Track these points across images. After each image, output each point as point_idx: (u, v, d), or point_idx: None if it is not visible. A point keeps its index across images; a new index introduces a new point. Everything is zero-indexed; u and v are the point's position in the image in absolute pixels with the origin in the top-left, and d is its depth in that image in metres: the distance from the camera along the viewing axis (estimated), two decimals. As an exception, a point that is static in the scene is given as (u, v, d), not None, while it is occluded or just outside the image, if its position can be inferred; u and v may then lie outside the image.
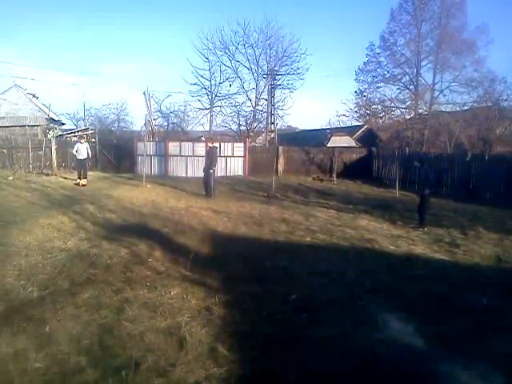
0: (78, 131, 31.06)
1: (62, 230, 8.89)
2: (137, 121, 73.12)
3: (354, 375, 3.68)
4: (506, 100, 27.55)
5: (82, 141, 19.48)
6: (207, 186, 15.88)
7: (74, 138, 21.38)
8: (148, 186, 17.74)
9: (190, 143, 25.19)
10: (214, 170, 16.28)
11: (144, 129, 22.80)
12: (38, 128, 30.06)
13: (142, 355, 3.90)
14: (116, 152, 25.75)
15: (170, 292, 5.53)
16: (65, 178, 19.88)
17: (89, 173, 21.50)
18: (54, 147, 23.31)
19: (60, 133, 30.89)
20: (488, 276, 6.84)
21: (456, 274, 6.90)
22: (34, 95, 37.46)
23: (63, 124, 38.91)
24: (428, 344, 4.38)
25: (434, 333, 4.60)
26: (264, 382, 3.56)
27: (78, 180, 18.27)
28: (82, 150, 18.84)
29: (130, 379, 3.51)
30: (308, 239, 9.14)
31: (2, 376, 3.51)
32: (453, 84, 33.20)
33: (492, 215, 13.19)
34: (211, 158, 16.20)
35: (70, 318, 4.63)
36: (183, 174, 24.07)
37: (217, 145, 17.52)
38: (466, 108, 31.36)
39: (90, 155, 19.56)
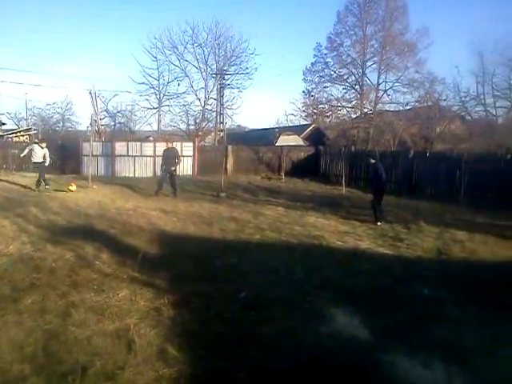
0: (20, 131, 29.93)
1: (3, 233, 8.53)
2: (83, 121, 71.09)
3: (303, 370, 3.75)
4: (445, 100, 28.76)
5: (43, 145, 17.33)
6: (159, 185, 15.94)
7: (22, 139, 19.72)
8: (94, 186, 17.35)
9: (138, 143, 24.84)
10: (175, 170, 16.49)
11: (90, 129, 22.21)
12: (-24, 129, 28.81)
13: (90, 359, 3.82)
14: (61, 153, 24.95)
15: (118, 294, 5.43)
16: (6, 180, 19.09)
17: (32, 174, 20.80)
18: (-7, 148, 22.40)
19: (0, 133, 29.68)
20: (429, 268, 7.14)
21: (399, 268, 7.16)
22: (-28, 95, 35.84)
23: (4, 124, 37.29)
24: (373, 336, 4.53)
25: (379, 325, 4.76)
26: (215, 381, 3.57)
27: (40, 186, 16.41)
28: (39, 153, 16.92)
29: (76, 385, 3.44)
30: (257, 237, 9.21)
31: None
32: (396, 84, 34.43)
33: (433, 210, 13.75)
34: (172, 158, 16.33)
35: (13, 325, 4.47)
36: (131, 175, 23.69)
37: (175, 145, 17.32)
38: (408, 107, 32.53)
39: (47, 161, 17.34)
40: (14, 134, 28.92)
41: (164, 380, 3.57)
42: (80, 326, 4.51)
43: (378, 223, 10.95)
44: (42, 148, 17.08)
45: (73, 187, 16.01)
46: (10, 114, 42.60)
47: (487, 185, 15.80)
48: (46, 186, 16.49)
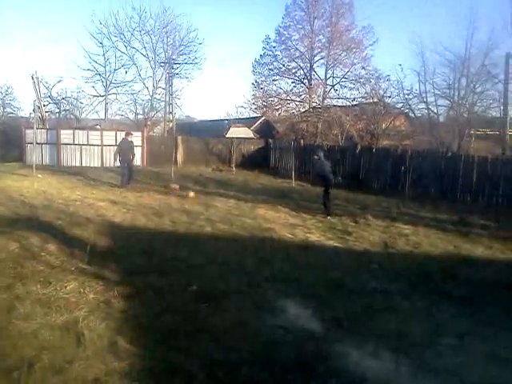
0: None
1: None
2: (25, 106, 68.25)
3: (255, 362, 3.79)
4: (389, 97, 29.49)
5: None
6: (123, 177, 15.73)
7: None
8: (39, 175, 16.77)
9: (85, 131, 24.12)
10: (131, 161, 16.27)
11: (33, 115, 21.36)
12: None
13: (37, 354, 3.72)
14: (2, 139, 23.92)
15: (66, 287, 5.31)
16: None
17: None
18: None
19: None
20: (377, 261, 7.36)
21: (348, 260, 7.36)
22: None
23: None
24: (323, 327, 4.64)
25: (329, 316, 4.89)
26: (167, 374, 3.55)
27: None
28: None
29: (23, 380, 3.33)
30: (208, 229, 9.21)
31: None
32: (343, 80, 35.00)
33: (379, 204, 14.16)
34: (129, 149, 16.13)
35: (-47, 320, 4.30)
36: (77, 164, 23.02)
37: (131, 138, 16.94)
38: (355, 103, 33.16)
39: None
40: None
41: (115, 373, 3.52)
42: (26, 319, 4.39)
43: (328, 217, 11.18)
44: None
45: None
46: None
47: (430, 180, 16.43)
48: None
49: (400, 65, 31.25)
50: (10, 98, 42.04)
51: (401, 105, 28.93)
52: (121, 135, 23.79)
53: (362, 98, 33.08)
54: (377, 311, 5.15)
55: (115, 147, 22.99)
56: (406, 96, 27.68)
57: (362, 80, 33.43)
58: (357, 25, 34.75)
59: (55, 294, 5.11)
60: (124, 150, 15.87)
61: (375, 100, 29.21)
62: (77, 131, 24.01)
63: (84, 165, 22.88)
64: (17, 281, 5.43)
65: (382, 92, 29.96)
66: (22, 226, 8.16)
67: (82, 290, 5.25)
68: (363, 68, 33.68)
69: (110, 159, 23.41)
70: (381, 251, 8.21)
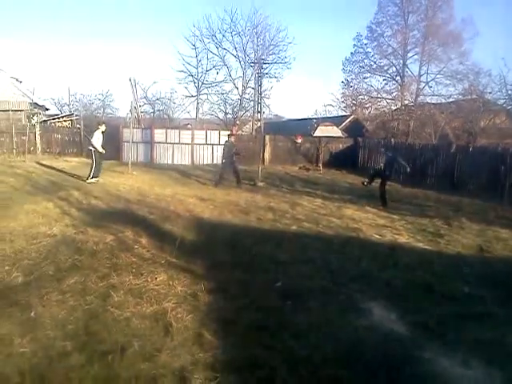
0: (63, 116, 30.68)
1: (47, 215, 8.82)
2: (122, 107, 72.41)
3: (338, 361, 3.74)
4: (490, 93, 27.73)
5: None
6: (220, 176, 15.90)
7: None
8: (134, 172, 17.62)
9: (177, 130, 25.02)
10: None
11: (130, 115, 22.55)
12: (22, 113, 29.62)
13: (128, 340, 3.92)
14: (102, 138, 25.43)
15: (156, 278, 5.54)
16: (49, 165, 19.59)
17: (74, 159, 21.28)
18: (38, 132, 23.01)
19: (44, 118, 30.51)
20: (470, 265, 6.95)
21: (439, 263, 7.00)
22: (17, 79, 36.75)
23: (48, 109, 38.26)
24: (411, 331, 4.46)
25: (417, 320, 4.69)
26: (249, 368, 3.59)
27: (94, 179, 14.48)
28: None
29: (116, 364, 3.54)
30: (294, 227, 9.19)
31: (-13, 360, 3.51)
32: (438, 76, 33.30)
33: (474, 206, 13.36)
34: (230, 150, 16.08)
35: (56, 304, 4.63)
36: (169, 161, 23.95)
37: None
38: (451, 100, 31.51)
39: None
40: (57, 119, 29.61)
41: (200, 364, 3.63)
42: (119, 307, 4.64)
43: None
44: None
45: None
46: (53, 100, 43.89)
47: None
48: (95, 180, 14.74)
49: (503, 58, 28.95)
50: (110, 99, 44.99)
51: (503, 101, 27.08)
52: (211, 134, 24.63)
53: (459, 94, 31.31)
54: (469, 318, 4.85)
55: (205, 146, 23.82)
56: (510, 91, 25.88)
57: (459, 76, 31.57)
58: (455, 17, 32.99)
59: (146, 285, 5.35)
60: (226, 151, 16.02)
61: (473, 96, 27.59)
62: (169, 130, 24.96)
63: (175, 162, 23.74)
64: (112, 271, 5.75)
65: (481, 88, 28.24)
66: (117, 220, 8.62)
67: (170, 283, 5.45)
68: (461, 63, 31.81)
69: (200, 157, 24.21)
70: (475, 255, 7.74)
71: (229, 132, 22.07)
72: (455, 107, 28.85)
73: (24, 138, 22.31)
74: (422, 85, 34.15)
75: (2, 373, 3.36)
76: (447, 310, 5.01)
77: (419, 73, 33.98)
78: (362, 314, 4.83)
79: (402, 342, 4.18)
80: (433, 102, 32.49)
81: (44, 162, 19.45)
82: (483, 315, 4.94)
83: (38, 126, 23.47)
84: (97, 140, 14.94)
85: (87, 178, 14.42)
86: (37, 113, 29.78)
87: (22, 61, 73.83)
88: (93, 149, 14.87)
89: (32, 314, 4.35)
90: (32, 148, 22.67)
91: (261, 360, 3.71)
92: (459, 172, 18.42)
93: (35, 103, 32.47)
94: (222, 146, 16.78)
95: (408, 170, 13.43)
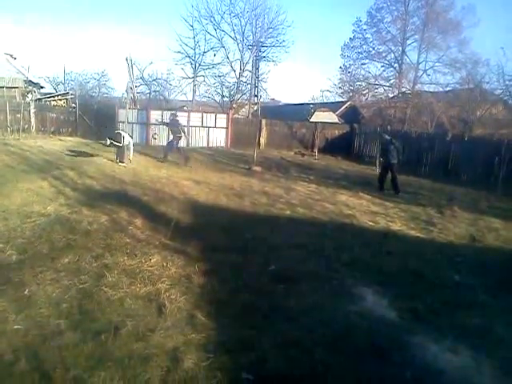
0: (58, 95, 30.40)
1: (42, 194, 8.79)
2: (118, 87, 71.82)
3: (329, 345, 3.79)
4: (487, 83, 27.69)
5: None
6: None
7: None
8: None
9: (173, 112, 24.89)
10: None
11: (125, 96, 22.38)
12: (17, 90, 29.29)
13: (122, 320, 3.96)
14: (97, 118, 25.23)
15: (150, 260, 5.57)
16: (42, 144, 19.45)
17: (69, 138, 21.13)
18: (32, 111, 22.81)
19: (39, 96, 30.20)
20: (462, 254, 7.02)
21: (431, 251, 7.07)
22: (11, 56, 36.28)
23: (42, 87, 37.80)
24: (401, 317, 4.53)
25: (408, 307, 4.75)
26: (241, 349, 3.64)
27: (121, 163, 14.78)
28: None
29: (109, 343, 3.57)
30: (288, 212, 9.23)
31: (-18, 336, 3.53)
32: (437, 64, 33.20)
33: (468, 196, 13.46)
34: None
35: (50, 282, 4.65)
36: (165, 143, 23.82)
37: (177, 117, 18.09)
38: (448, 89, 31.49)
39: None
40: (52, 98, 29.32)
41: (192, 345, 3.67)
42: (113, 287, 4.67)
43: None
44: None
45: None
46: (48, 78, 43.41)
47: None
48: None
49: (502, 48, 28.82)
50: (105, 79, 44.52)
51: (500, 91, 27.06)
52: (207, 116, 24.53)
53: (457, 83, 31.27)
54: (458, 306, 4.91)
55: (201, 128, 23.72)
56: (507, 82, 25.84)
57: (457, 64, 31.41)
58: (456, 5, 32.68)
59: (140, 265, 5.37)
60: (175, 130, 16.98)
61: (471, 86, 27.53)
62: (165, 112, 24.83)
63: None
64: (106, 251, 5.77)
65: (479, 77, 28.16)
66: (112, 200, 8.63)
67: (164, 264, 5.48)
68: (460, 52, 31.64)
69: (196, 140, 24.10)
70: (467, 244, 7.81)
71: (223, 114, 22.10)
72: (452, 96, 28.83)
73: (18, 115, 22.09)
74: (420, 72, 34.14)
75: (-4, 349, 3.39)
76: (437, 298, 5.07)
77: (418, 60, 33.90)
78: (354, 299, 4.89)
79: (393, 328, 4.25)
80: (430, 90, 32.46)
81: (38, 141, 19.30)
82: (472, 303, 5.01)
83: (32, 103, 23.23)
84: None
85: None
86: (31, 90, 29.45)
87: (17, 37, 72.75)
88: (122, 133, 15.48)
89: (26, 291, 4.37)
90: (26, 126, 22.46)
91: (253, 342, 3.76)
92: (454, 161, 18.52)
93: (30, 81, 32.09)
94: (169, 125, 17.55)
95: (400, 156, 13.63)
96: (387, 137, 13.84)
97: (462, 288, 5.51)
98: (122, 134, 15.07)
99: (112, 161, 14.74)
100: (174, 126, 17.41)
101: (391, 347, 3.83)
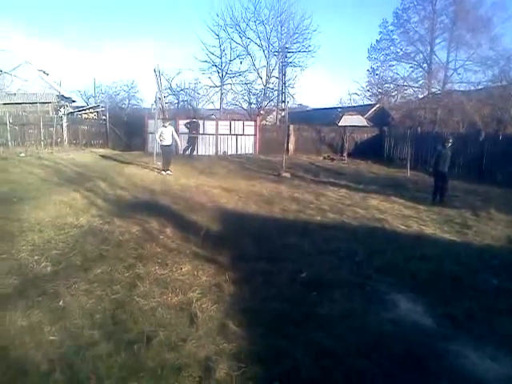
0: (89, 108, 31.07)
1: (74, 206, 8.97)
2: (147, 98, 72.93)
3: (363, 354, 3.72)
4: (522, 79, 26.93)
5: (167, 124, 16.44)
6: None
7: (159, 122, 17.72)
8: (159, 163, 17.73)
9: (201, 121, 25.11)
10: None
11: (154, 106, 22.66)
12: (49, 105, 30.12)
13: (154, 330, 3.97)
14: (127, 129, 25.71)
15: (181, 269, 5.59)
16: (71, 156, 19.89)
17: (100, 150, 21.52)
18: (65, 124, 23.37)
19: (71, 110, 30.94)
20: (499, 257, 6.81)
21: (467, 255, 6.86)
22: (44, 72, 37.28)
23: (74, 101, 38.79)
24: (438, 324, 4.41)
25: (444, 313, 4.62)
26: (273, 358, 3.60)
27: (164, 172, 15.35)
28: (166, 135, 15.86)
29: (142, 353, 3.58)
30: (318, 218, 9.15)
31: (19, 348, 3.59)
32: (467, 62, 32.49)
33: (504, 196, 13.04)
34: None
35: (83, 293, 4.72)
36: (194, 153, 24.07)
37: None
38: (480, 87, 30.73)
39: (178, 141, 16.96)
40: (83, 111, 30.01)
41: (224, 354, 3.65)
42: (145, 297, 4.70)
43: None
44: (166, 127, 16.11)
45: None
46: (79, 92, 44.51)
47: None
48: (168, 172, 15.45)
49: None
50: (135, 91, 45.38)
51: (535, 88, 26.28)
52: (235, 124, 24.65)
53: (489, 81, 30.44)
54: (498, 312, 4.74)
55: (229, 136, 23.81)
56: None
57: (489, 62, 30.60)
58: (485, 1, 32.03)
59: (171, 275, 5.40)
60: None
61: (504, 83, 26.83)
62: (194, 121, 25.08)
63: (200, 153, 23.88)
64: (138, 261, 5.83)
65: (512, 74, 27.41)
66: (142, 210, 8.71)
67: (195, 273, 5.49)
68: (491, 49, 30.84)
69: (224, 148, 24.23)
70: (505, 247, 7.57)
71: (250, 121, 22.22)
72: (484, 94, 28.13)
73: (51, 129, 22.70)
74: (450, 72, 33.49)
75: (32, 360, 3.44)
76: (475, 303, 4.91)
77: (447, 59, 33.32)
78: (388, 306, 4.79)
79: (429, 335, 4.13)
80: (461, 89, 31.76)
81: (71, 154, 19.75)
82: (512, 308, 4.84)
83: (64, 117, 23.84)
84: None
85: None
86: (64, 105, 30.27)
87: (49, 53, 74.90)
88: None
89: (60, 303, 4.45)
90: (59, 139, 23.06)
91: (285, 351, 3.72)
92: (488, 161, 18.03)
93: (62, 95, 32.99)
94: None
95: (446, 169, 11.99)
96: (439, 147, 12.29)
97: (500, 292, 5.32)
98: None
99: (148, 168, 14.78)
100: (194, 130, 18.85)
101: (428, 356, 3.72)
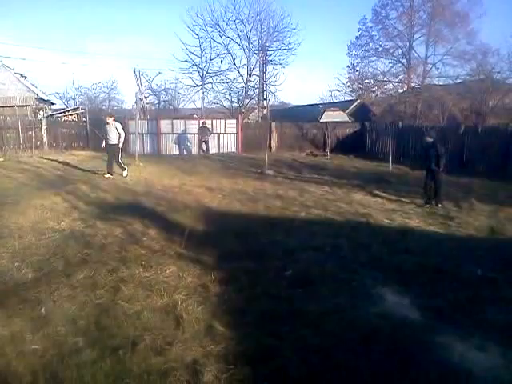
0: (69, 110, 30.66)
1: (55, 210, 8.83)
2: (128, 99, 72.38)
3: (351, 348, 3.70)
4: (499, 72, 27.32)
5: (109, 120, 14.18)
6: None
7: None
8: (141, 164, 17.60)
9: (182, 121, 24.99)
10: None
11: (135, 107, 22.50)
12: (28, 108, 29.61)
13: (139, 334, 3.90)
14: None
15: (166, 270, 5.51)
16: (55, 159, 19.59)
17: (81, 152, 21.22)
18: (44, 127, 23.02)
19: (50, 112, 30.52)
20: (483, 248, 6.87)
21: (450, 247, 6.92)
22: (22, 75, 36.66)
23: (53, 104, 38.29)
24: (424, 316, 4.41)
25: (431, 305, 4.63)
26: (262, 358, 3.56)
27: (108, 174, 13.93)
28: (111, 133, 14.00)
29: (127, 359, 3.51)
30: (303, 214, 9.14)
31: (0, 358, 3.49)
32: (445, 57, 32.74)
33: (485, 187, 13.18)
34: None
35: (66, 299, 4.62)
36: (176, 152, 23.96)
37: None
38: (459, 81, 31.05)
39: (122, 137, 14.19)
40: (63, 114, 29.60)
41: (212, 356, 3.60)
42: (129, 301, 4.62)
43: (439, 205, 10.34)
44: (109, 123, 14.09)
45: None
46: (58, 94, 44.02)
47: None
48: (124, 173, 14.17)
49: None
50: (115, 92, 45.04)
51: (512, 80, 26.67)
52: (218, 123, 24.58)
53: (467, 75, 30.79)
54: (483, 301, 4.77)
55: (211, 135, 23.68)
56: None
57: (466, 56, 30.92)
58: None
59: (156, 277, 5.32)
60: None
61: (482, 77, 27.16)
62: (175, 121, 24.93)
63: (182, 153, 23.78)
64: (121, 264, 5.73)
65: (489, 68, 27.77)
66: (125, 212, 8.62)
67: (180, 274, 5.42)
68: (469, 43, 31.22)
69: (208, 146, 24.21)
70: (487, 237, 7.64)
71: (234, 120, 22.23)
72: (463, 88, 28.44)
73: (30, 133, 22.33)
74: (429, 66, 33.77)
75: (14, 372, 3.34)
76: (460, 294, 4.93)
77: (426, 54, 33.56)
78: (375, 301, 4.79)
79: (416, 328, 4.13)
80: (440, 83, 32.09)
81: (51, 157, 19.44)
82: (498, 299, 4.86)
83: (44, 120, 23.47)
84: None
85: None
86: (42, 107, 29.79)
87: (26, 56, 73.80)
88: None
89: (42, 310, 4.34)
90: (39, 143, 22.71)
91: (273, 350, 3.68)
92: (468, 153, 18.23)
93: (40, 98, 32.50)
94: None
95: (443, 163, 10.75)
96: (429, 139, 11.11)
97: (485, 283, 5.35)
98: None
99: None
100: (203, 133, 20.12)
101: (415, 348, 3.72)
